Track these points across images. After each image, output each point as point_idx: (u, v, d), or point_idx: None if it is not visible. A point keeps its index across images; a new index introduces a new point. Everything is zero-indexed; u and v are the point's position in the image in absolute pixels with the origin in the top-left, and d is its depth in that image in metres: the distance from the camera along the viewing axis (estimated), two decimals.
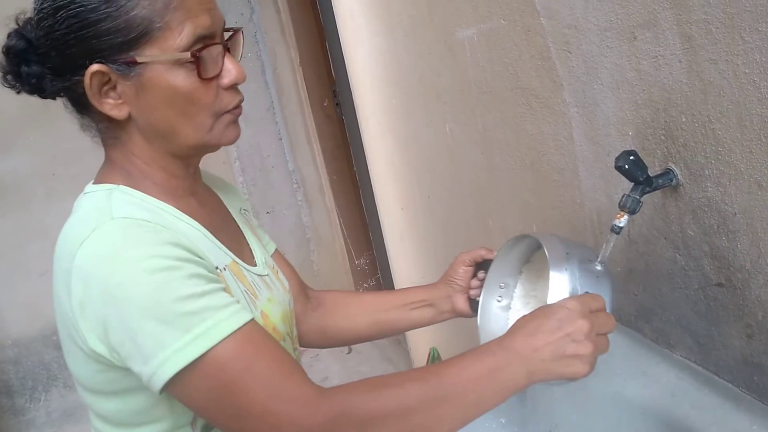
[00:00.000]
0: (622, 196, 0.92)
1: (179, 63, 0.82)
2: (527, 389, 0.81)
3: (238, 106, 0.90)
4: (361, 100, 2.34)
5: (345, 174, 3.58)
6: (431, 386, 0.77)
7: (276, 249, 1.20)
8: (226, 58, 0.87)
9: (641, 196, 0.91)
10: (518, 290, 1.09)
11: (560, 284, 0.87)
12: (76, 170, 3.37)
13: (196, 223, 0.91)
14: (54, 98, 0.89)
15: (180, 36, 0.81)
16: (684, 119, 0.89)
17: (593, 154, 1.12)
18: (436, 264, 2.14)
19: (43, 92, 0.88)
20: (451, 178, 1.78)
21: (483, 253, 1.16)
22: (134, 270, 0.75)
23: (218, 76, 0.86)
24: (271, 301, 0.97)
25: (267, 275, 1.02)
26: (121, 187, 0.88)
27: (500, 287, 1.09)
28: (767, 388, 0.90)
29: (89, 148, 3.15)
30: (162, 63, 0.82)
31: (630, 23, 0.94)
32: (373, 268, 3.66)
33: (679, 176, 0.93)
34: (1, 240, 3.34)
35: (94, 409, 0.90)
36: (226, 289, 0.83)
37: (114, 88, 0.83)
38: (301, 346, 1.22)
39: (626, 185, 0.93)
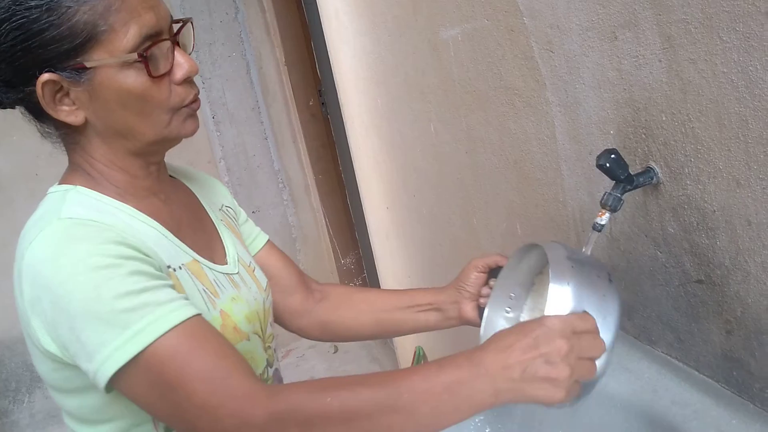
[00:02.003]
0: (604, 194, 0.93)
1: (128, 64, 0.82)
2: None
3: (195, 100, 0.90)
4: (346, 100, 2.34)
5: (331, 173, 3.58)
6: (384, 393, 0.73)
7: (269, 244, 1.20)
8: (176, 53, 0.87)
9: (622, 194, 0.92)
10: (528, 303, 1.02)
11: (560, 299, 0.78)
12: (58, 170, 3.35)
13: (155, 222, 0.92)
14: (13, 108, 0.89)
15: (126, 37, 0.81)
16: (664, 118, 0.90)
17: (575, 152, 1.13)
18: (421, 263, 2.15)
19: (0, 104, 0.88)
20: (436, 177, 1.78)
21: (497, 260, 1.11)
22: (75, 269, 0.76)
23: (170, 72, 0.86)
24: (235, 300, 0.97)
25: (237, 273, 1.02)
26: (79, 187, 0.89)
27: (510, 298, 1.02)
28: (746, 383, 0.91)
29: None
30: (111, 66, 0.82)
31: (611, 23, 0.95)
32: (359, 267, 3.67)
33: (660, 174, 0.94)
34: None
35: (61, 405, 0.91)
36: (175, 287, 0.83)
37: (67, 94, 0.84)
38: (303, 337, 1.23)
39: (608, 183, 0.94)
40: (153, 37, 0.83)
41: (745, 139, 0.79)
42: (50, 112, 0.84)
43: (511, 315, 1.02)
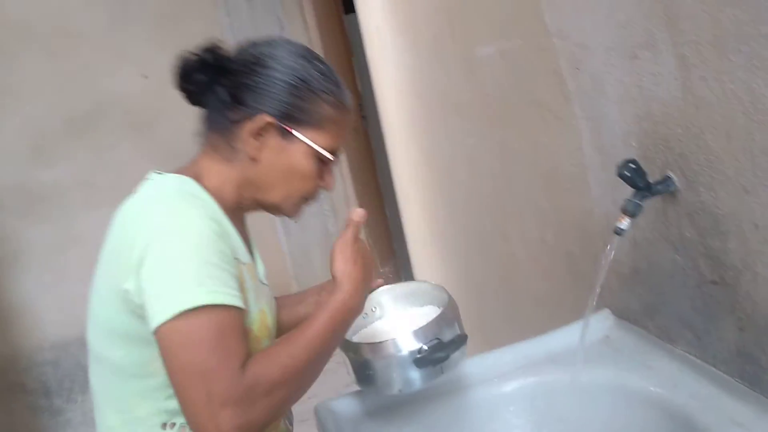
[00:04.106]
0: (624, 201, 1.01)
1: (315, 154, 1.05)
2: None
3: (315, 198, 1.12)
4: (386, 114, 2.45)
5: (369, 184, 3.69)
6: (305, 347, 0.95)
7: None
8: (333, 170, 1.11)
9: (641, 200, 1.00)
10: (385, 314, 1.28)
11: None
12: (113, 181, 3.54)
13: (233, 227, 1.06)
14: (202, 107, 1.08)
15: (329, 142, 1.06)
16: (680, 131, 0.98)
17: (601, 163, 1.21)
18: (458, 269, 2.23)
19: (194, 98, 1.08)
20: (472, 188, 1.87)
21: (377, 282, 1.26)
22: (187, 225, 0.94)
23: (322, 176, 1.09)
24: (268, 304, 1.12)
25: (267, 286, 1.16)
26: (191, 180, 1.04)
27: (372, 309, 1.26)
28: (757, 376, 0.98)
29: (126, 160, 3.37)
30: (307, 146, 1.04)
31: (631, 43, 1.03)
32: (397, 275, 3.76)
33: (677, 183, 1.02)
34: (43, 247, 3.49)
35: (107, 357, 1.03)
36: (239, 277, 0.98)
37: (265, 137, 1.03)
38: None
39: (630, 191, 1.02)
40: (337, 153, 1.08)
41: (751, 150, 0.86)
42: (246, 136, 1.03)
43: (363, 319, 1.23)
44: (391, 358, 1.08)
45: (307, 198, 1.10)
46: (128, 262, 0.93)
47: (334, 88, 1.06)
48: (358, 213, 1.06)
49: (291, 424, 1.21)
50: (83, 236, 3.52)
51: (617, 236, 1.03)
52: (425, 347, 1.06)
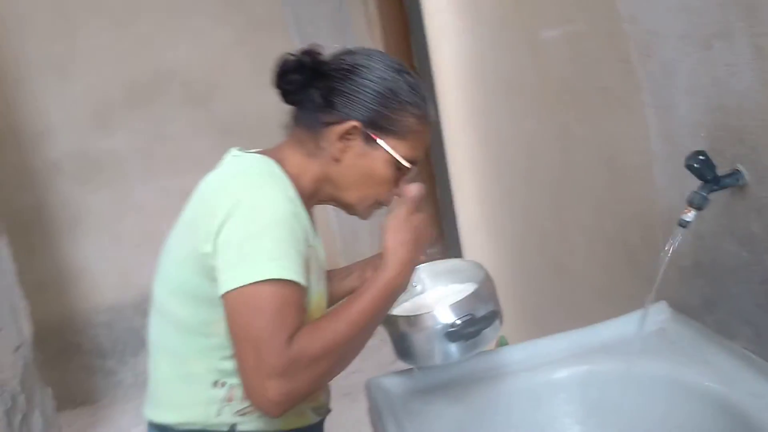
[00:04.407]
0: (691, 193, 0.99)
1: (394, 162, 1.10)
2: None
3: (388, 204, 1.16)
4: (443, 94, 2.44)
5: (420, 165, 3.68)
6: (351, 319, 0.98)
7: None
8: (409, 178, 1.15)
9: (708, 193, 0.99)
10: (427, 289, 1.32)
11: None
12: (170, 152, 3.61)
13: (306, 214, 1.11)
14: (295, 105, 1.14)
15: (409, 151, 1.11)
16: (754, 124, 0.96)
17: (667, 153, 1.19)
18: (510, 255, 2.23)
19: (289, 97, 1.12)
20: (529, 172, 1.86)
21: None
22: (272, 200, 1.00)
23: (398, 183, 1.13)
24: (325, 288, 1.19)
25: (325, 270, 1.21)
26: (274, 162, 1.09)
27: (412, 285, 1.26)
28: None
29: (182, 133, 3.44)
30: (387, 153, 1.10)
31: (706, 32, 1.01)
32: (443, 257, 3.75)
33: (746, 177, 1.00)
34: (100, 213, 3.59)
35: (175, 313, 1.09)
36: (309, 257, 1.04)
37: (351, 140, 1.09)
38: None
39: (697, 183, 1.00)
40: (415, 163, 1.14)
41: None
42: (333, 138, 1.09)
43: (404, 294, 1.24)
44: (424, 332, 1.12)
45: (381, 202, 1.16)
46: (208, 228, 0.99)
47: (421, 102, 1.12)
48: (414, 188, 1.08)
49: (329, 395, 1.26)
50: (139, 205, 3.61)
51: (681, 228, 1.01)
52: (458, 321, 1.10)
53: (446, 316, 1.11)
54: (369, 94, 1.08)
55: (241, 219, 0.98)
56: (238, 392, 1.07)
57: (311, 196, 1.14)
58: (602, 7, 1.27)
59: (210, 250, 0.99)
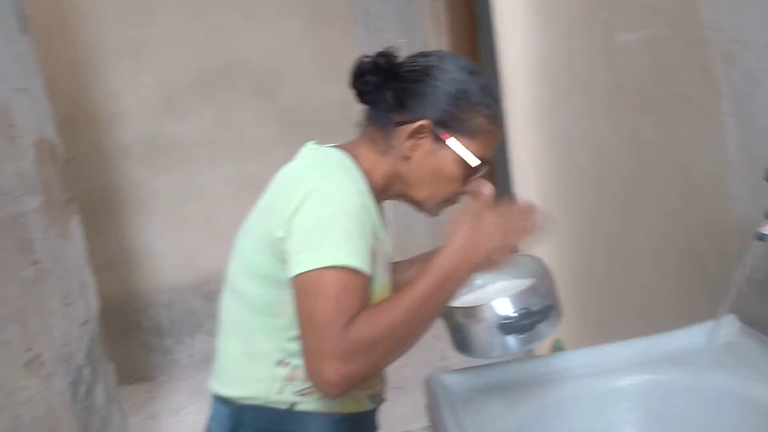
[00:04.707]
0: None
1: (463, 161, 1.12)
2: None
3: (456, 202, 1.18)
4: (510, 92, 2.43)
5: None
6: (408, 305, 1.00)
7: None
8: (481, 177, 1.15)
9: None
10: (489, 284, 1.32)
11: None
12: (234, 141, 3.69)
13: (376, 208, 1.14)
14: (369, 105, 1.17)
15: (479, 150, 1.12)
16: None
17: (746, 163, 1.16)
18: (571, 258, 2.21)
19: (364, 98, 1.16)
20: (596, 175, 1.84)
21: None
22: (344, 191, 1.04)
23: (465, 181, 1.14)
24: (390, 280, 1.20)
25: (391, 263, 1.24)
26: (348, 156, 1.13)
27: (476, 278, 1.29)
28: None
29: (248, 123, 3.51)
30: (456, 152, 1.11)
31: None
32: None
33: None
34: (166, 196, 3.70)
35: (248, 292, 1.14)
36: (376, 249, 1.08)
37: (420, 139, 1.12)
38: None
39: None
40: (486, 163, 1.14)
41: None
42: (402, 136, 1.12)
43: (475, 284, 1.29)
44: (480, 323, 1.13)
45: (449, 200, 1.17)
46: (283, 214, 1.04)
47: (492, 103, 1.13)
48: (489, 188, 1.11)
49: (384, 385, 1.28)
50: (203, 190, 3.71)
51: (759, 242, 0.99)
52: (514, 313, 1.11)
53: (502, 308, 1.12)
54: (440, 95, 1.11)
55: (314, 207, 1.02)
56: (300, 373, 1.12)
57: (382, 192, 1.17)
58: (684, 14, 1.25)
59: (282, 234, 1.04)
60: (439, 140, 1.12)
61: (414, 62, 1.15)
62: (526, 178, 2.46)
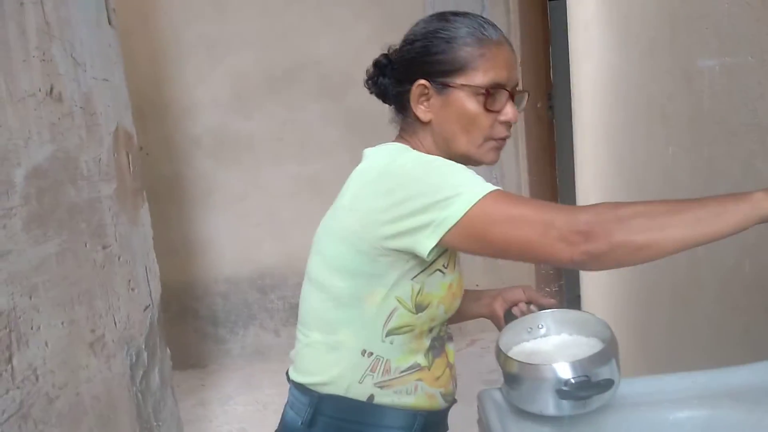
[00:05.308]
0: None
1: (476, 93, 1.11)
2: None
3: (504, 138, 1.16)
4: (580, 109, 2.40)
5: (545, 176, 3.64)
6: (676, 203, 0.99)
7: None
8: (509, 103, 1.14)
9: None
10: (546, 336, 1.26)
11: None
12: (300, 140, 3.75)
13: None
14: (390, 104, 1.22)
15: (484, 77, 1.11)
16: None
17: None
18: (633, 282, 2.17)
19: (385, 97, 1.22)
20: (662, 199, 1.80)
21: (547, 302, 1.30)
22: (433, 156, 1.11)
23: (499, 112, 1.13)
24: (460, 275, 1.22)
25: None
26: (403, 146, 1.18)
27: (538, 327, 1.25)
28: None
29: (314, 123, 3.56)
30: (464, 90, 1.11)
31: None
32: (557, 273, 3.69)
33: None
34: (228, 190, 3.78)
35: (329, 285, 1.16)
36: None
37: (428, 99, 1.14)
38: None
39: None
40: (499, 86, 1.12)
41: None
42: (413, 105, 1.15)
43: (528, 333, 1.24)
44: (536, 382, 1.09)
45: (491, 137, 1.14)
46: (380, 216, 1.05)
47: (468, 29, 1.12)
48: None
49: (455, 385, 1.29)
50: (265, 186, 3.77)
51: None
52: (572, 380, 1.05)
53: (562, 372, 1.07)
54: (418, 52, 1.14)
55: (415, 182, 1.03)
56: (381, 365, 1.15)
57: None
58: (767, 42, 1.22)
59: (390, 232, 1.04)
60: (442, 89, 1.13)
61: (401, 42, 1.19)
62: (589, 197, 2.43)
